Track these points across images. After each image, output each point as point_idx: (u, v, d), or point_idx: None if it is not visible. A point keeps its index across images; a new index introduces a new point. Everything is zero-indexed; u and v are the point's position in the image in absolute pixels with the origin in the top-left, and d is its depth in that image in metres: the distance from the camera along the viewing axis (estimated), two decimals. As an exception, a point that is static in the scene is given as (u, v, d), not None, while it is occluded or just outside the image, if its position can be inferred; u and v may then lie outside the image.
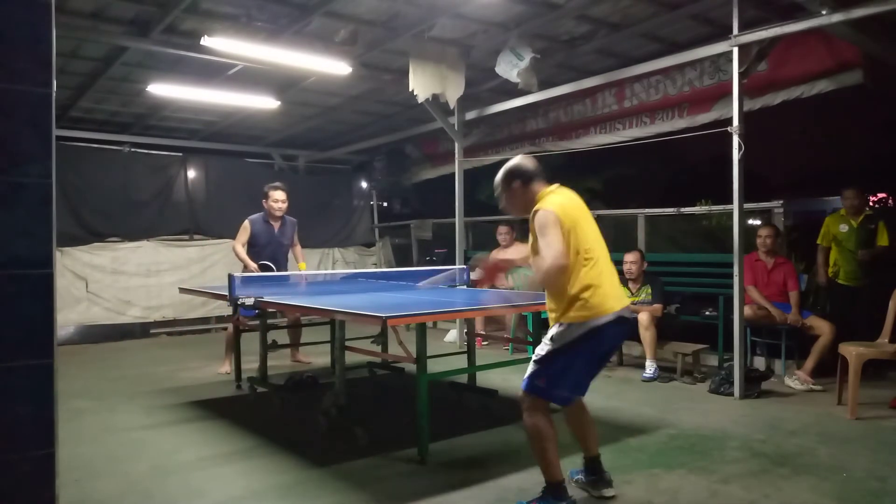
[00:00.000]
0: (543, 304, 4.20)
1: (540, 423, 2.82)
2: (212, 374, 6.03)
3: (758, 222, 6.77)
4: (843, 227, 5.77)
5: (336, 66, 6.08)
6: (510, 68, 6.07)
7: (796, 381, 5.22)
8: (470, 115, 7.69)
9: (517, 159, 3.11)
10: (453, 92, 6.60)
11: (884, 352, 4.51)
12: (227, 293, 4.41)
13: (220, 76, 6.91)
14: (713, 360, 6.02)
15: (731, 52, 5.00)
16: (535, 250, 2.87)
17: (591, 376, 2.95)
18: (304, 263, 6.32)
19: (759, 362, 5.86)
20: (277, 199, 5.88)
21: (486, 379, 5.15)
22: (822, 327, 5.23)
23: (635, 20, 5.78)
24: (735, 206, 4.99)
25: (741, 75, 4.97)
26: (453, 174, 7.83)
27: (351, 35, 5.92)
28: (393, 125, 9.33)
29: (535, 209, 2.86)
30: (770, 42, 4.93)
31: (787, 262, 5.76)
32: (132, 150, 9.10)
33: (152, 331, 8.61)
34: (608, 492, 3.09)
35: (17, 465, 1.42)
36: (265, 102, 7.55)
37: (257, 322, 5.13)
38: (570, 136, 7.68)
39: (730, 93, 5.14)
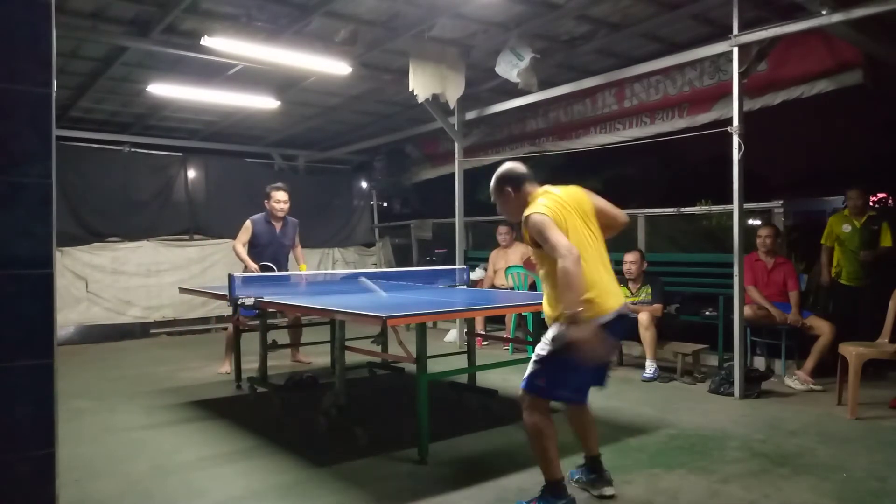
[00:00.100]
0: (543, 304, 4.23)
1: (540, 422, 2.82)
2: (212, 374, 6.03)
3: (758, 222, 6.77)
4: (846, 228, 5.77)
5: (336, 66, 6.08)
6: (510, 68, 6.07)
7: (796, 381, 5.22)
8: (470, 115, 7.69)
9: (506, 165, 3.13)
10: (453, 92, 6.60)
11: (884, 352, 4.51)
12: (227, 293, 4.41)
13: (220, 76, 6.91)
14: (713, 360, 6.02)
15: (731, 52, 5.00)
16: (541, 259, 2.87)
17: (592, 376, 2.94)
18: (305, 265, 6.33)
19: (759, 362, 5.86)
20: (279, 199, 5.88)
21: (486, 379, 5.15)
22: (822, 327, 5.23)
23: (635, 20, 5.78)
24: (735, 206, 4.99)
25: (741, 75, 4.97)
26: (453, 174, 7.83)
27: (351, 35, 5.92)
28: (393, 125, 9.33)
29: (525, 215, 2.85)
30: (770, 42, 4.93)
31: (787, 262, 5.76)
32: (132, 150, 9.11)
33: (152, 331, 8.61)
34: (608, 490, 3.09)
35: (17, 465, 1.42)
36: (265, 102, 7.55)
37: (257, 322, 5.13)
38: (570, 136, 7.68)
39: (730, 93, 5.14)
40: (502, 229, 7.74)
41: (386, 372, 5.78)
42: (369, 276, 6.40)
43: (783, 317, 5.42)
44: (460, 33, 6.17)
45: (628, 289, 5.96)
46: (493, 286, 7.56)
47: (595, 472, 3.13)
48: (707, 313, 6.17)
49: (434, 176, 10.02)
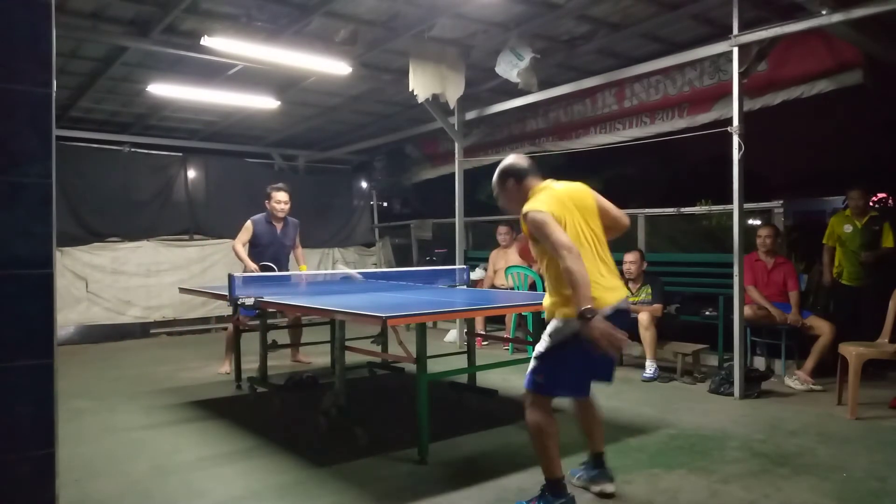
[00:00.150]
0: (543, 304, 4.23)
1: (541, 420, 2.83)
2: (212, 374, 6.03)
3: (758, 222, 6.77)
4: (848, 228, 5.77)
5: (336, 66, 6.08)
6: (510, 68, 6.07)
7: (796, 381, 5.22)
8: (470, 115, 7.69)
9: (510, 158, 3.15)
10: (453, 92, 6.60)
11: (884, 352, 4.51)
12: (227, 293, 4.41)
13: (220, 76, 6.91)
14: (713, 360, 6.02)
15: (731, 52, 5.00)
16: (541, 253, 2.88)
17: (593, 371, 2.94)
18: (306, 266, 6.33)
19: (759, 362, 5.86)
20: (280, 199, 5.88)
21: (486, 379, 5.15)
22: (822, 327, 5.23)
23: (635, 20, 5.78)
24: (735, 206, 4.99)
25: (741, 75, 4.97)
26: (453, 174, 7.83)
27: (351, 35, 5.93)
28: (393, 125, 9.33)
29: (524, 211, 2.86)
30: (770, 42, 4.93)
31: (787, 262, 5.76)
32: (132, 150, 9.11)
33: (152, 331, 8.61)
34: (608, 487, 3.09)
35: (17, 465, 1.42)
36: (265, 102, 7.55)
37: (257, 322, 5.13)
38: (570, 136, 7.68)
39: (730, 93, 5.14)
40: (502, 229, 7.74)
41: (386, 372, 5.78)
42: (369, 276, 6.42)
43: (783, 317, 5.42)
44: (460, 33, 6.17)
45: (628, 289, 5.96)
46: (493, 286, 7.56)
47: (597, 469, 3.14)
48: (707, 313, 6.17)
49: (434, 176, 10.02)
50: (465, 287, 5.68)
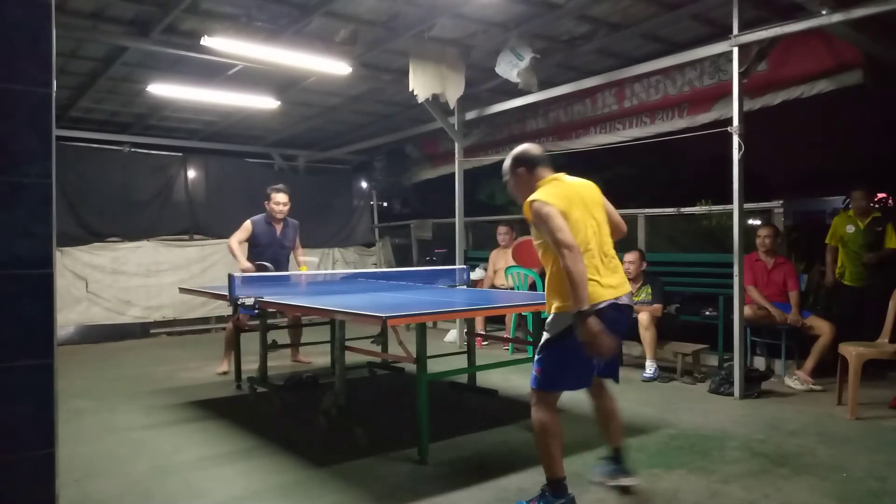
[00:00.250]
0: (543, 304, 4.23)
1: (545, 418, 2.84)
2: (212, 374, 6.03)
3: (758, 222, 6.76)
4: (850, 228, 5.76)
5: (336, 66, 6.08)
6: (510, 68, 6.07)
7: (796, 381, 5.22)
8: (470, 115, 7.69)
9: (524, 146, 3.15)
10: (453, 92, 6.60)
11: (884, 352, 4.51)
12: (227, 293, 4.41)
13: (220, 76, 6.91)
14: (713, 360, 6.02)
15: (731, 52, 5.00)
16: (543, 246, 2.89)
17: (590, 363, 2.91)
18: (306, 266, 6.31)
19: (759, 362, 5.86)
20: (279, 201, 5.87)
21: (486, 379, 5.15)
22: (822, 327, 5.23)
23: (635, 20, 5.78)
24: (735, 206, 4.99)
25: (741, 75, 4.97)
26: (453, 174, 7.83)
27: (351, 35, 5.92)
28: (393, 125, 9.33)
29: (529, 200, 2.86)
30: (770, 42, 4.93)
31: (786, 262, 5.76)
32: (132, 150, 9.11)
33: (152, 331, 8.61)
34: (626, 481, 3.10)
35: (17, 465, 1.42)
36: (265, 102, 7.55)
37: (257, 322, 5.13)
38: (570, 136, 7.68)
39: (730, 93, 5.14)
40: (502, 229, 7.74)
41: (386, 372, 5.78)
42: (369, 276, 6.43)
43: (783, 317, 5.42)
44: (460, 33, 6.17)
45: (628, 289, 5.96)
46: (493, 286, 7.56)
47: (617, 464, 3.15)
48: (707, 313, 6.17)
49: (434, 176, 10.02)
50: (465, 287, 5.68)
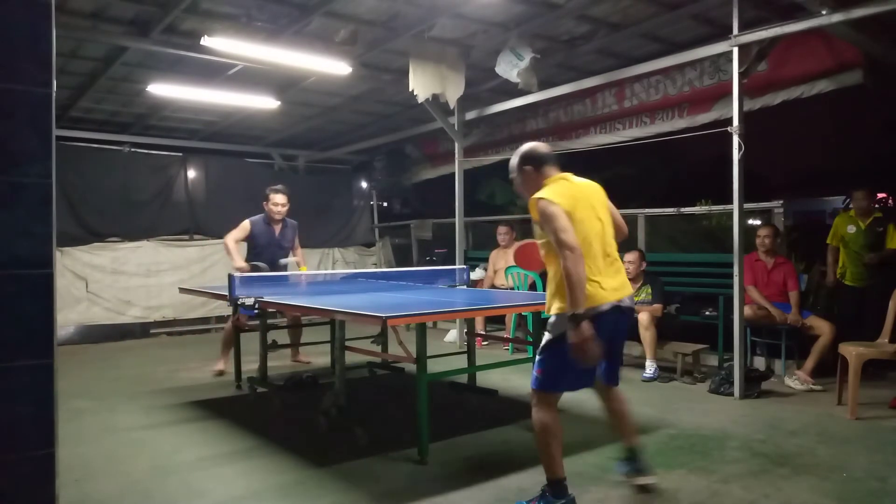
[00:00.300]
0: (543, 304, 4.22)
1: (546, 418, 2.84)
2: (212, 374, 6.02)
3: (758, 222, 6.76)
4: (851, 229, 5.76)
5: (336, 66, 6.08)
6: (510, 68, 6.07)
7: (796, 381, 5.22)
8: (470, 115, 7.68)
9: (532, 144, 3.16)
10: (453, 92, 6.60)
11: (884, 352, 4.51)
12: (227, 293, 4.41)
13: (220, 76, 6.91)
14: (713, 360, 6.02)
15: (731, 52, 5.00)
16: (546, 246, 2.91)
17: (583, 368, 2.93)
18: (306, 266, 6.31)
19: (759, 362, 5.86)
20: (277, 202, 5.85)
21: (486, 379, 5.15)
22: (822, 327, 5.23)
23: (635, 20, 5.78)
24: (735, 206, 4.99)
25: (741, 75, 4.97)
26: (453, 174, 7.83)
27: (351, 35, 5.92)
28: (393, 125, 9.33)
29: (535, 197, 2.87)
30: (770, 42, 4.93)
31: (786, 262, 5.76)
32: (132, 150, 9.11)
33: (152, 331, 8.61)
34: (644, 480, 3.11)
35: (17, 465, 1.42)
36: (265, 102, 7.55)
37: (257, 322, 5.13)
38: (570, 136, 7.68)
39: (730, 93, 5.14)
40: (502, 229, 7.74)
41: (386, 372, 5.78)
42: (369, 276, 6.43)
43: (783, 317, 5.42)
44: (460, 33, 6.17)
45: (628, 289, 5.96)
46: (493, 286, 7.56)
47: (635, 462, 3.15)
48: (707, 313, 6.17)
49: (434, 176, 10.02)
50: (465, 287, 5.68)
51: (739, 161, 4.96)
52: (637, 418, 4.35)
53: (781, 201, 6.33)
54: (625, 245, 6.31)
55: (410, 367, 4.56)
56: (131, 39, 5.79)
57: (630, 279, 5.97)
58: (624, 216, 3.21)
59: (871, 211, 5.76)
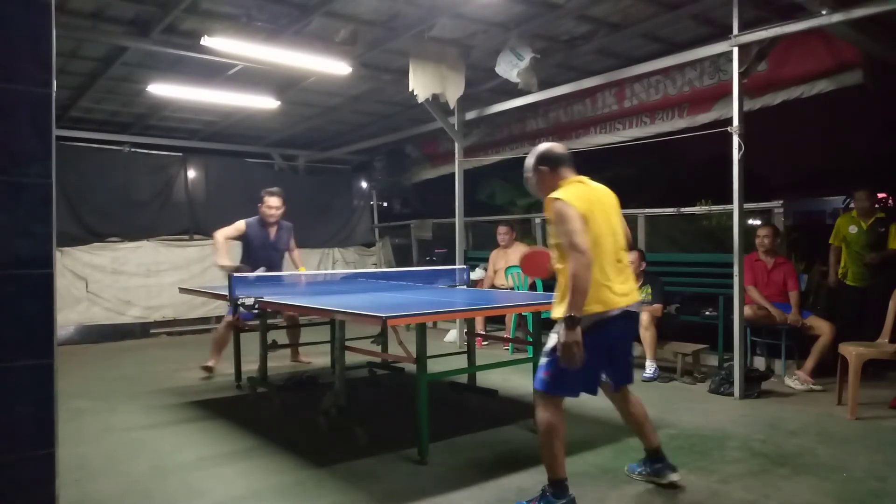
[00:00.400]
0: (543, 304, 4.22)
1: (551, 418, 2.85)
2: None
3: (758, 222, 6.76)
4: (853, 229, 5.76)
5: (336, 66, 6.08)
6: (510, 68, 6.07)
7: (796, 381, 5.22)
8: (470, 115, 7.68)
9: (548, 144, 3.20)
10: (453, 92, 6.60)
11: (884, 352, 4.51)
12: (227, 293, 4.41)
13: (220, 76, 6.91)
14: (713, 360, 6.02)
15: (731, 52, 5.00)
16: (555, 241, 2.91)
17: (598, 370, 2.97)
18: (304, 267, 6.28)
19: (759, 362, 5.86)
20: (272, 204, 5.79)
21: (486, 379, 5.15)
22: (822, 327, 5.23)
23: (635, 20, 5.78)
24: (735, 206, 4.99)
25: (741, 75, 4.97)
26: (453, 174, 7.83)
27: (351, 35, 5.92)
28: (393, 125, 9.33)
29: (551, 197, 2.89)
30: (770, 42, 4.93)
31: (786, 262, 5.75)
32: (132, 150, 9.11)
33: (152, 331, 8.61)
34: (673, 476, 3.13)
35: (17, 465, 1.42)
36: (265, 102, 7.55)
37: (257, 322, 5.12)
38: (570, 136, 7.68)
39: (730, 93, 5.14)
40: (502, 229, 7.74)
41: (386, 372, 5.78)
42: (369, 276, 6.42)
43: (783, 317, 5.42)
44: (460, 33, 6.17)
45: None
46: (493, 286, 7.55)
47: (659, 462, 3.17)
48: (707, 313, 6.17)
49: (434, 176, 10.02)
50: (465, 287, 5.68)
51: (739, 161, 4.96)
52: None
53: (781, 201, 6.33)
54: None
55: (410, 367, 4.55)
56: (131, 39, 5.79)
57: (630, 279, 6.02)
58: (624, 216, 3.22)
59: (873, 211, 5.76)
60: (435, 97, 6.60)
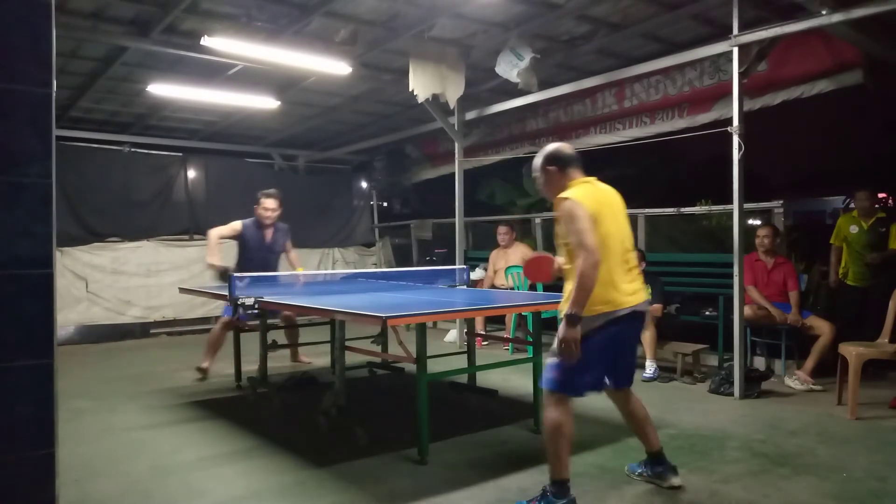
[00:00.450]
0: (543, 304, 4.22)
1: (561, 418, 2.85)
2: (211, 374, 6.00)
3: (758, 222, 6.76)
4: (854, 229, 5.77)
5: (336, 66, 6.08)
6: (510, 68, 6.07)
7: (796, 381, 5.22)
8: (470, 115, 7.68)
9: (556, 144, 3.22)
10: (453, 92, 6.60)
11: (884, 352, 4.51)
12: (227, 293, 4.41)
13: (220, 76, 6.91)
14: (713, 360, 6.02)
15: (731, 52, 5.00)
16: (564, 241, 2.92)
17: (606, 370, 2.98)
18: (302, 268, 6.25)
19: (759, 362, 5.86)
20: (268, 206, 5.72)
21: (486, 379, 5.15)
22: (822, 327, 5.23)
23: (635, 20, 5.78)
24: (735, 206, 4.99)
25: (741, 75, 4.97)
26: (453, 174, 7.83)
27: (351, 35, 5.92)
28: (393, 125, 9.33)
29: (561, 196, 2.91)
30: (770, 42, 4.93)
31: (786, 262, 5.75)
32: (132, 150, 9.11)
33: (152, 331, 8.61)
34: (675, 480, 3.13)
35: (17, 465, 1.42)
36: (265, 102, 7.55)
37: (257, 322, 5.12)
38: (570, 136, 7.68)
39: (730, 93, 5.14)
40: (502, 229, 7.74)
41: (386, 372, 5.78)
42: (369, 276, 6.42)
43: (783, 317, 5.42)
44: (460, 33, 6.17)
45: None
46: (493, 286, 7.55)
47: (660, 465, 3.17)
48: (707, 313, 6.17)
49: (434, 176, 10.02)
50: (465, 287, 5.67)
51: (739, 161, 4.96)
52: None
53: (781, 201, 6.33)
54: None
55: (410, 367, 4.55)
56: (131, 39, 5.79)
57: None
58: (625, 216, 3.22)
59: (874, 211, 5.77)
60: (435, 97, 6.60)
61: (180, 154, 9.46)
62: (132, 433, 4.25)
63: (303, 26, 5.65)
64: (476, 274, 7.72)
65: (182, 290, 5.92)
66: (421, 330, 3.62)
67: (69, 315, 7.91)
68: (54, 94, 1.49)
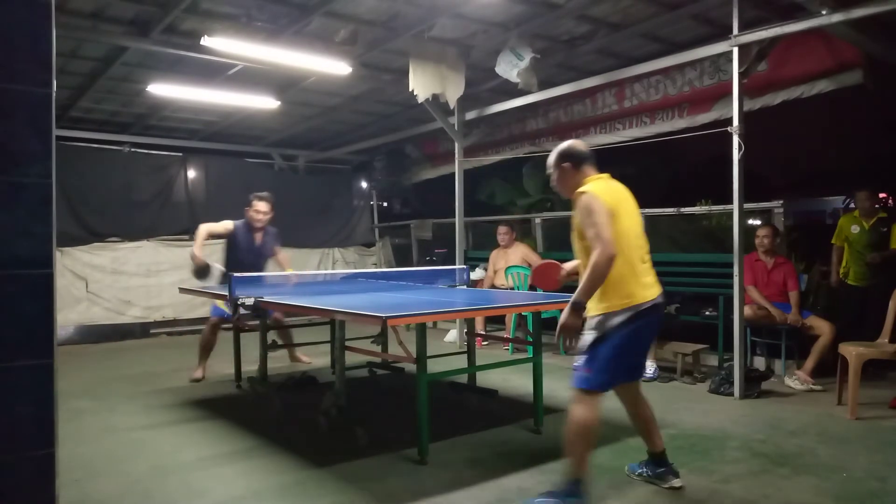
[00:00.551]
0: (543, 304, 4.22)
1: (588, 416, 2.87)
2: (212, 374, 6.01)
3: (758, 222, 6.76)
4: (855, 229, 5.77)
5: (336, 66, 6.08)
6: (510, 68, 6.07)
7: (796, 381, 5.22)
8: (470, 115, 7.68)
9: (571, 141, 3.23)
10: (453, 92, 6.60)
11: (884, 352, 4.51)
12: (226, 293, 4.41)
13: (220, 76, 6.91)
14: (713, 360, 6.02)
15: (731, 52, 5.00)
16: (580, 234, 2.94)
17: (629, 364, 3.01)
18: (292, 268, 6.21)
19: (759, 362, 5.86)
20: (259, 209, 5.67)
21: (486, 379, 5.15)
22: (822, 327, 5.23)
23: (635, 20, 5.78)
24: (735, 206, 4.99)
25: (741, 75, 4.97)
26: (453, 174, 7.83)
27: (351, 35, 5.92)
28: (393, 125, 9.33)
29: (580, 191, 2.93)
30: (770, 42, 4.93)
31: (786, 262, 5.75)
32: (132, 150, 9.12)
33: (152, 331, 8.61)
34: (676, 482, 3.13)
35: (17, 465, 1.42)
36: (265, 102, 7.55)
37: (257, 322, 5.12)
38: (570, 137, 7.61)
39: (730, 93, 5.14)
40: (502, 229, 7.74)
41: (386, 372, 5.78)
42: (369, 276, 6.42)
43: (783, 317, 5.42)
44: (460, 33, 6.17)
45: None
46: (493, 286, 7.55)
47: (662, 466, 3.18)
48: (707, 313, 6.17)
49: (434, 176, 10.02)
50: (465, 287, 5.68)
51: (739, 161, 4.96)
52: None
53: (781, 201, 6.32)
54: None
55: (410, 367, 4.56)
56: (131, 39, 5.79)
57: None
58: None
59: (875, 211, 5.77)
60: (435, 97, 6.60)
61: (180, 154, 9.46)
62: (132, 433, 4.25)
63: (303, 26, 5.65)
64: (476, 274, 7.72)
65: (182, 290, 5.92)
66: (421, 330, 3.62)
67: (69, 315, 7.91)
68: (54, 94, 1.49)
